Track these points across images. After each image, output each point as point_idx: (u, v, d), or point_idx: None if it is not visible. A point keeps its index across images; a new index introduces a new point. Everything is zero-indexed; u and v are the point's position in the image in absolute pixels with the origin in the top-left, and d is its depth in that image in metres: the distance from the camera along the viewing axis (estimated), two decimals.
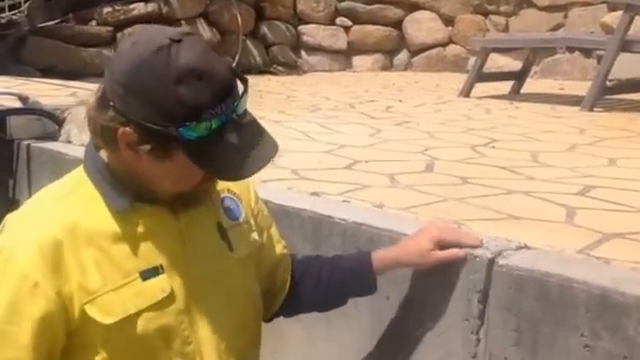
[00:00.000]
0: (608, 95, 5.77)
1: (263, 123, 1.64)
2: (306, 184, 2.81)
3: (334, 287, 2.02)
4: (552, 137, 4.19)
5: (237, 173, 1.56)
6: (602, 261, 2.06)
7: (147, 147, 1.52)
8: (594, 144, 4.01)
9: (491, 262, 2.03)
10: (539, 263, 1.98)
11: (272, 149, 1.60)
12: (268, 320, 2.01)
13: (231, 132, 1.52)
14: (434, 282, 2.13)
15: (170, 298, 1.60)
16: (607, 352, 1.83)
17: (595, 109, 5.41)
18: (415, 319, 2.18)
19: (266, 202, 2.57)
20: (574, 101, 5.66)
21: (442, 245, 2.01)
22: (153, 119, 1.49)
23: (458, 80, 6.53)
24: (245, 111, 1.59)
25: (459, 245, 2.02)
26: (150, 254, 1.60)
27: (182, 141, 1.49)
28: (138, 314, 1.56)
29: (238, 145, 1.53)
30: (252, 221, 1.91)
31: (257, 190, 2.01)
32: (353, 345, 2.36)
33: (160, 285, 1.59)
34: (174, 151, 1.52)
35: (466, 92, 6.25)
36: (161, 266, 1.60)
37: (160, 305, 1.58)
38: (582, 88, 5.80)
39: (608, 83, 5.66)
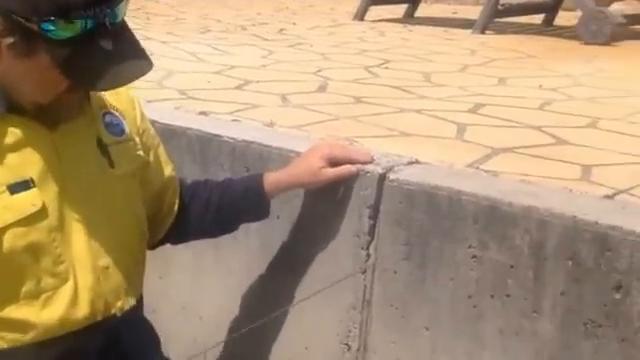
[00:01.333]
0: (499, 18, 5.85)
1: (150, 44, 1.58)
2: (194, 104, 2.77)
3: (224, 211, 2.00)
4: (444, 58, 4.23)
5: (102, 83, 1.46)
6: (491, 174, 2.10)
7: (9, 40, 1.43)
8: (485, 64, 4.07)
9: (382, 177, 2.05)
10: (429, 177, 2.00)
11: (147, 64, 1.49)
12: (154, 247, 1.98)
13: (103, 40, 1.43)
14: (325, 199, 2.13)
15: (41, 213, 1.52)
16: (494, 262, 1.88)
17: (486, 32, 5.49)
18: (305, 237, 2.19)
19: (152, 122, 2.52)
20: (466, 24, 5.73)
21: (333, 162, 2.01)
22: (16, 8, 1.40)
23: (353, 4, 6.50)
24: (122, 22, 1.51)
25: (350, 161, 2.03)
26: (20, 167, 1.51)
27: (46, 39, 1.41)
28: (5, 229, 1.48)
29: (108, 54, 1.43)
30: (137, 139, 1.86)
31: (143, 109, 1.96)
32: (242, 268, 2.35)
33: (30, 199, 1.51)
34: (37, 50, 1.43)
35: (360, 15, 6.25)
36: (32, 180, 1.52)
37: (29, 220, 1.50)
38: (475, 12, 5.86)
39: (499, 7, 5.73)
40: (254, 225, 2.27)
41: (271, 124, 2.50)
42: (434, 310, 1.98)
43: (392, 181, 2.03)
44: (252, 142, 2.29)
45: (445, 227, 1.94)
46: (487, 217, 1.88)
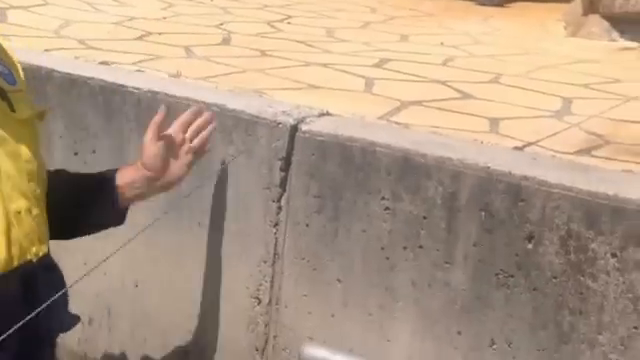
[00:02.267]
0: None
1: None
2: (94, 54, 2.66)
3: (71, 209, 1.79)
4: (345, 15, 4.19)
5: None
6: (402, 126, 2.08)
7: None
8: (386, 22, 4.05)
9: (294, 128, 2.00)
10: (342, 128, 1.97)
11: None
12: None
13: None
14: (234, 150, 2.08)
15: None
16: (407, 213, 1.86)
17: None
18: (214, 191, 2.13)
19: (51, 71, 2.42)
20: None
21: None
22: None
23: None
24: None
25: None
26: None
27: None
28: None
29: None
30: (29, 95, 1.76)
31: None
32: (147, 222, 2.27)
33: None
34: None
35: None
36: None
37: None
38: None
39: None
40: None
41: (177, 75, 2.42)
42: (346, 263, 1.96)
43: (304, 132, 1.99)
44: (158, 92, 2.21)
45: (358, 179, 1.92)
46: (401, 168, 1.86)
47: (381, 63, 2.90)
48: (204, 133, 1.85)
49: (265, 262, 2.08)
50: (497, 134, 2.08)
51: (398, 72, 2.77)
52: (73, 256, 2.41)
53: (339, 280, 1.97)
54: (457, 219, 1.81)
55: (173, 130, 1.84)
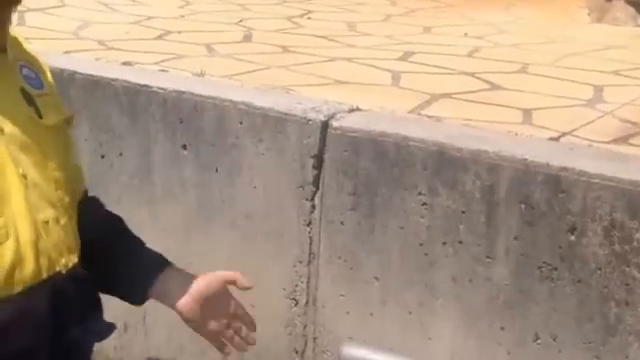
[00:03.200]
0: None
1: None
2: (115, 54, 2.65)
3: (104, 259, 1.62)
4: (366, 9, 4.17)
5: None
6: (434, 119, 2.07)
7: None
8: (407, 14, 4.03)
9: (325, 125, 1.99)
10: (374, 124, 1.96)
11: None
12: None
13: None
14: (264, 149, 2.07)
15: None
16: (445, 208, 1.85)
17: None
18: (246, 191, 2.13)
19: (73, 74, 2.42)
20: None
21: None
22: None
23: None
24: None
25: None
26: None
27: None
28: None
29: None
30: (57, 98, 1.75)
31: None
32: (180, 225, 2.27)
33: None
34: None
35: None
36: None
37: None
38: None
39: None
40: (191, 179, 2.20)
41: (202, 73, 2.42)
42: (384, 260, 1.95)
43: (336, 129, 1.98)
44: (184, 92, 2.20)
45: (393, 175, 1.91)
46: (436, 163, 1.85)
47: (406, 56, 2.88)
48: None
49: (301, 262, 2.07)
50: (531, 125, 2.06)
51: (424, 65, 2.76)
52: None
53: (377, 278, 1.96)
54: (496, 213, 1.80)
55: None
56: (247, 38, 3.13)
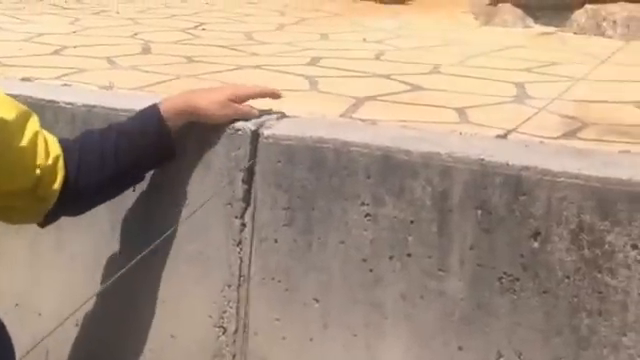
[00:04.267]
0: None
1: None
2: (12, 71, 2.25)
3: (124, 160, 1.62)
4: (256, 19, 3.85)
5: None
6: (368, 122, 1.77)
7: None
8: (299, 23, 3.73)
9: (255, 134, 1.67)
10: (310, 130, 1.65)
11: None
12: (45, 223, 1.64)
13: None
14: (187, 164, 1.73)
15: None
16: (391, 219, 1.56)
17: None
18: (167, 210, 1.78)
19: None
20: None
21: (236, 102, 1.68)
22: None
23: None
24: None
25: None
26: None
27: None
28: None
29: None
30: None
31: None
32: (89, 251, 1.90)
33: None
34: None
35: None
36: None
37: None
38: None
39: None
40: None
41: (110, 86, 2.05)
42: (323, 279, 1.64)
43: (267, 137, 1.66)
44: (95, 106, 1.84)
45: (332, 185, 1.60)
46: (381, 169, 1.55)
47: (314, 61, 2.58)
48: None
49: (229, 286, 1.73)
50: (469, 123, 1.80)
51: (336, 69, 2.46)
52: (2, 296, 2.02)
53: (316, 299, 1.65)
54: (450, 221, 1.51)
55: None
56: (146, 50, 2.77)
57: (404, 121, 1.76)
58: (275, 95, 1.71)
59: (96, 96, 1.91)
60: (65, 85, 2.09)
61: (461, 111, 1.89)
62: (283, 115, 1.75)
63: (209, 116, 1.66)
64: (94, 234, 1.87)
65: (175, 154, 1.68)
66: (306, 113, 1.80)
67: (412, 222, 1.54)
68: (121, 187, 1.69)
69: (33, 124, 1.56)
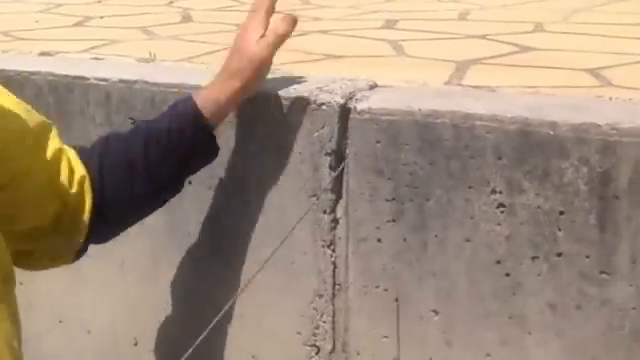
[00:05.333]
0: None
1: None
2: (28, 45, 2.04)
3: (158, 170, 1.39)
4: None
5: None
6: (485, 90, 1.53)
7: None
8: None
9: (345, 109, 1.44)
10: (417, 101, 1.41)
11: None
12: (76, 258, 1.40)
13: None
14: (257, 149, 1.50)
15: None
16: (533, 209, 1.32)
17: None
18: (234, 208, 1.56)
19: None
20: None
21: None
22: None
23: None
24: None
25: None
26: None
27: None
28: None
29: None
30: None
31: None
32: (142, 258, 1.68)
33: None
34: None
35: None
36: None
37: None
38: None
39: None
40: None
41: (152, 58, 1.82)
42: (444, 287, 1.40)
43: (361, 112, 1.42)
44: (136, 81, 1.62)
45: (452, 169, 1.36)
46: (518, 148, 1.31)
47: (389, 24, 2.35)
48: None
49: (320, 296, 1.51)
50: (613, 86, 1.56)
51: (419, 31, 2.23)
52: (42, 314, 1.81)
53: (435, 311, 1.42)
54: (615, 209, 1.27)
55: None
56: (186, 19, 2.55)
57: (533, 87, 1.52)
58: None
59: (136, 70, 1.69)
60: (95, 59, 1.87)
61: (594, 73, 1.65)
62: (375, 84, 1.52)
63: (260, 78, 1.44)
64: (148, 238, 1.65)
65: (217, 153, 1.45)
66: (401, 82, 1.56)
67: (562, 213, 1.30)
68: (157, 202, 1.46)
69: (54, 139, 1.32)
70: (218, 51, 1.97)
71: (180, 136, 1.37)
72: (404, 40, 2.06)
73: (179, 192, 1.46)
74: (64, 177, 1.30)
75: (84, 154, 1.37)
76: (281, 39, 1.44)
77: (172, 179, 1.41)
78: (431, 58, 1.84)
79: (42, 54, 1.91)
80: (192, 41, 2.11)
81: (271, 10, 1.47)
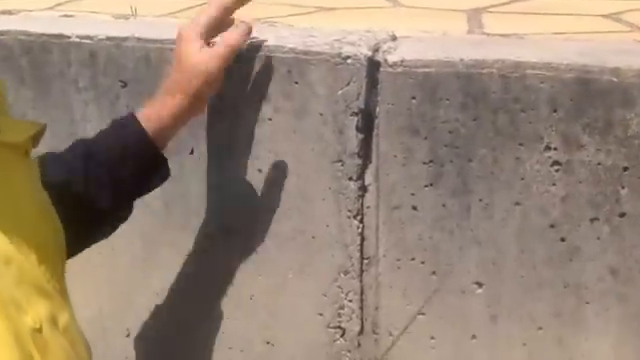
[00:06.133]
0: None
1: None
2: None
3: (102, 195, 1.22)
4: None
5: None
6: (515, 37, 1.39)
7: None
8: None
9: (373, 62, 1.28)
10: (455, 50, 1.25)
11: None
12: None
13: None
14: (272, 111, 1.34)
15: None
16: (593, 166, 1.19)
17: None
18: (245, 175, 1.38)
19: None
20: None
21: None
22: None
23: None
24: None
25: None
26: None
27: None
28: None
29: None
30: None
31: None
32: (142, 233, 1.50)
33: None
34: None
35: None
36: None
37: None
38: None
39: None
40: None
41: (133, 14, 1.62)
42: (490, 256, 1.27)
43: (394, 65, 1.27)
44: (126, 38, 1.42)
45: (499, 125, 1.22)
46: (576, 98, 1.18)
47: None
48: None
49: (346, 273, 1.35)
50: None
51: None
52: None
53: (479, 284, 1.28)
54: None
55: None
56: None
57: (561, 33, 1.39)
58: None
59: (126, 26, 1.50)
60: (66, 16, 1.66)
61: (616, 18, 1.53)
62: (394, 36, 1.36)
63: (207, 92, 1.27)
64: (141, 216, 1.46)
65: (168, 176, 1.29)
66: (419, 32, 1.40)
67: (626, 169, 1.17)
68: (106, 228, 1.28)
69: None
70: (199, 5, 1.78)
71: (123, 154, 1.20)
72: None
73: (126, 219, 1.28)
74: None
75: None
76: (232, 50, 1.25)
77: (116, 203, 1.24)
78: (433, 8, 1.69)
79: (3, 12, 1.69)
80: None
81: (222, 10, 1.28)
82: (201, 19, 1.26)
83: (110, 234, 1.30)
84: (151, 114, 1.24)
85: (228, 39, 1.25)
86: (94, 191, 1.20)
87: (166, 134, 1.25)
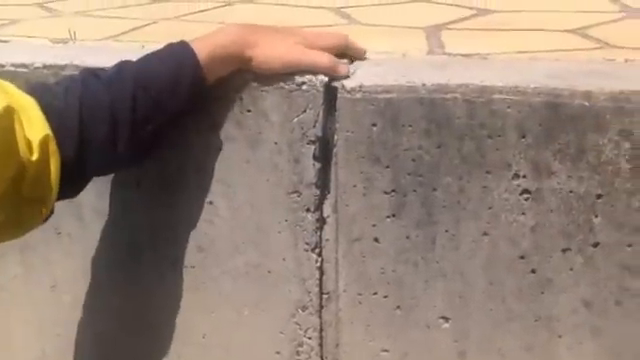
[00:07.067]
0: None
1: None
2: None
3: (143, 124, 1.16)
4: None
5: None
6: (478, 57, 1.32)
7: None
8: None
9: (330, 88, 1.19)
10: (415, 74, 1.17)
11: None
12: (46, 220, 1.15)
13: None
14: (225, 139, 1.24)
15: None
16: (564, 195, 1.12)
17: None
18: (197, 210, 1.28)
19: None
20: None
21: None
22: None
23: None
24: None
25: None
26: None
27: None
28: None
29: None
30: None
31: None
32: (71, 275, 1.39)
33: None
34: None
35: None
36: None
37: None
38: None
39: None
40: (93, 204, 1.33)
41: (72, 37, 1.51)
42: (456, 289, 1.19)
43: (352, 91, 1.18)
44: (64, 66, 1.31)
45: (465, 153, 1.14)
46: (545, 123, 1.10)
47: None
48: None
49: (304, 309, 1.27)
50: (612, 47, 1.37)
51: None
52: None
53: (445, 318, 1.20)
54: None
55: None
56: None
57: (527, 52, 1.32)
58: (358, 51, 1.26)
59: (62, 51, 1.39)
60: (3, 42, 1.54)
61: (581, 33, 1.47)
62: (351, 59, 1.28)
63: (267, 70, 1.18)
64: (83, 251, 1.36)
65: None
66: (377, 54, 1.32)
67: (599, 197, 1.10)
68: (135, 159, 1.21)
69: (1, 96, 1.05)
70: (140, 27, 1.68)
71: (174, 89, 1.13)
72: (348, 7, 1.82)
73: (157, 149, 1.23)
74: (18, 143, 1.02)
75: (53, 96, 1.12)
76: (301, 66, 1.19)
77: (155, 136, 1.18)
78: (389, 25, 1.61)
79: None
80: (104, 17, 1.80)
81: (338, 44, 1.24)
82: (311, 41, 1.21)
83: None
84: (204, 49, 1.16)
85: (314, 59, 1.19)
86: (138, 129, 1.14)
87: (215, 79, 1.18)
